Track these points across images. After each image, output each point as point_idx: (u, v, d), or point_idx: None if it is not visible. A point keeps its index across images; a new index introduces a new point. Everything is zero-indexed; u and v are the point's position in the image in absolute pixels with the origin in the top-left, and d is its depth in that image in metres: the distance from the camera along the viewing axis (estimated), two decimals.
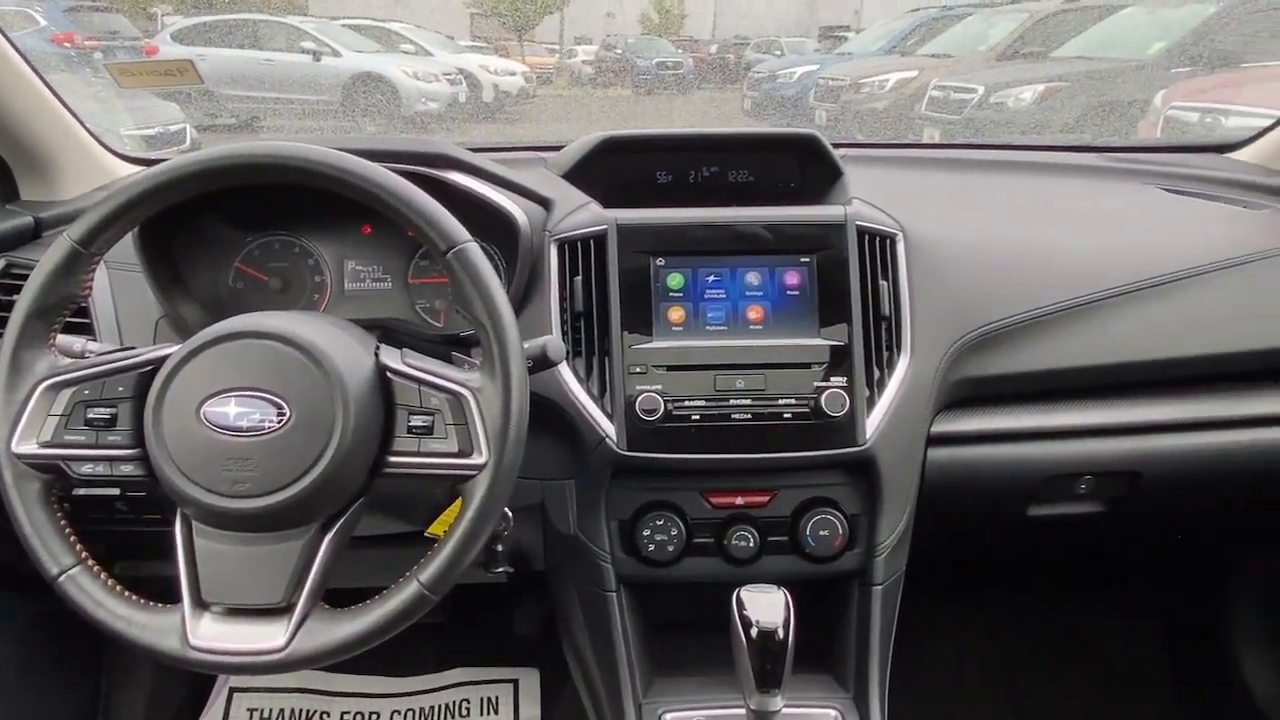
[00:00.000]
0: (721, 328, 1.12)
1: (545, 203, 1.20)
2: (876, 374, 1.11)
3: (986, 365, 1.19)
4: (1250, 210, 1.41)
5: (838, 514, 1.13)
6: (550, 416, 1.09)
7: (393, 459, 0.84)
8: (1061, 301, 1.20)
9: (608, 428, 1.08)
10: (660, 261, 1.13)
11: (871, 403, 1.10)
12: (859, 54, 8.96)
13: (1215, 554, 1.70)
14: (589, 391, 1.10)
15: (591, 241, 1.13)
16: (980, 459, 1.21)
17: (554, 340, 0.93)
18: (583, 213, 1.17)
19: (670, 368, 1.10)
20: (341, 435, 0.79)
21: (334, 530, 0.83)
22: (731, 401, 1.09)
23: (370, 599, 0.83)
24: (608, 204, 1.18)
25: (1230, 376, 1.26)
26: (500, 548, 1.14)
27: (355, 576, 1.00)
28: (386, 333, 0.99)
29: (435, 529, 1.06)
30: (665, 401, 1.08)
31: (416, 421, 0.84)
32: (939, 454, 1.19)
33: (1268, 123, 1.57)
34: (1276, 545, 1.60)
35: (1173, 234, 1.34)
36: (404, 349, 0.89)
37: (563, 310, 1.12)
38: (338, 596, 0.85)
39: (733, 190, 1.27)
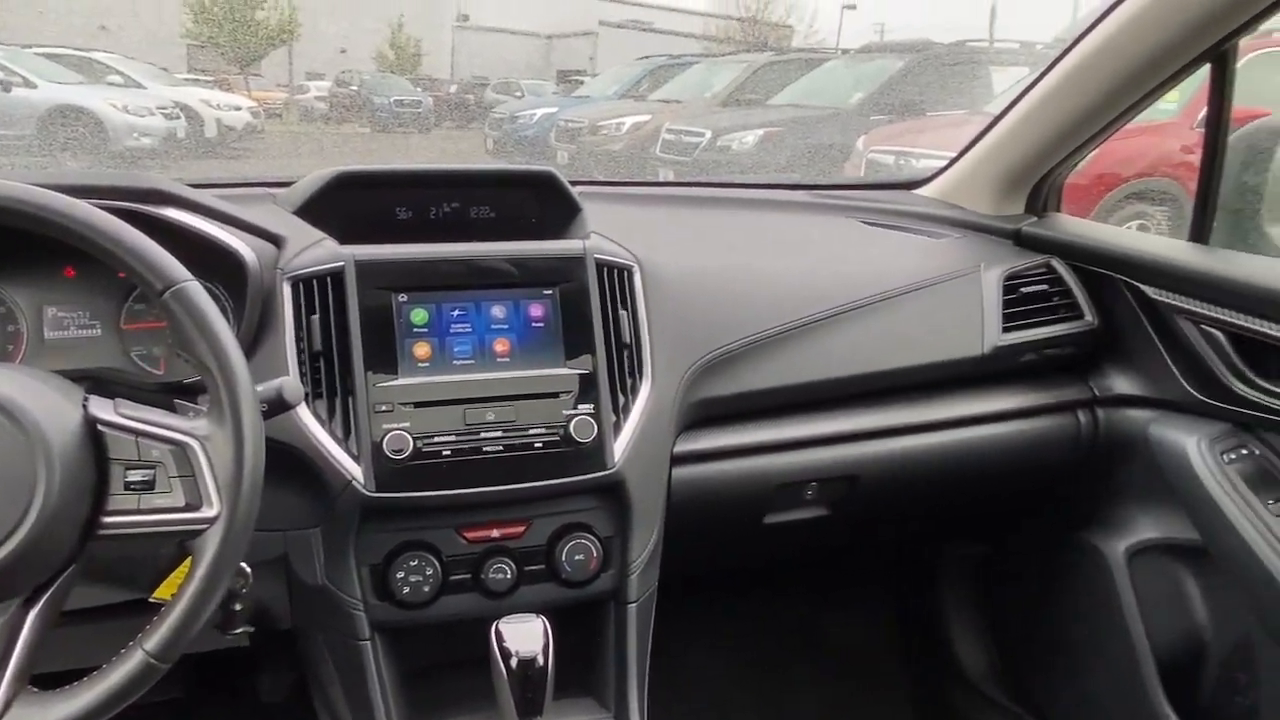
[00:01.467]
0: (469, 361, 1.12)
1: (276, 239, 1.14)
2: (621, 400, 1.16)
3: (721, 386, 1.28)
4: (933, 239, 1.61)
5: (592, 537, 1.15)
6: (290, 462, 1.04)
7: (109, 519, 0.76)
8: (781, 324, 1.31)
9: (354, 470, 1.05)
10: (403, 298, 1.11)
11: (618, 428, 1.15)
12: (596, 97, 9.29)
13: (929, 544, 1.91)
14: (332, 433, 1.06)
15: (328, 278, 1.09)
16: (719, 474, 1.29)
17: (291, 381, 0.89)
18: (317, 249, 1.13)
19: (418, 404, 1.08)
20: (45, 496, 0.71)
21: (40, 603, 0.74)
22: (483, 434, 1.09)
23: (89, 675, 0.75)
24: (345, 240, 1.15)
25: (926, 385, 1.42)
26: (239, 607, 1.06)
27: (73, 655, 0.90)
28: (98, 384, 0.91)
29: (162, 592, 0.97)
30: (414, 439, 1.06)
31: (135, 476, 0.77)
32: (682, 472, 1.25)
33: (944, 163, 1.80)
34: (975, 531, 1.82)
35: (872, 261, 1.51)
36: (117, 399, 0.82)
37: (299, 350, 1.07)
38: (54, 681, 0.76)
39: (474, 226, 1.28)
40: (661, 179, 6.48)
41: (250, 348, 1.07)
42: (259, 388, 0.83)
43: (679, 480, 1.25)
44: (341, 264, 1.10)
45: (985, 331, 1.43)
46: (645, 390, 1.17)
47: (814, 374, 1.34)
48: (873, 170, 5.83)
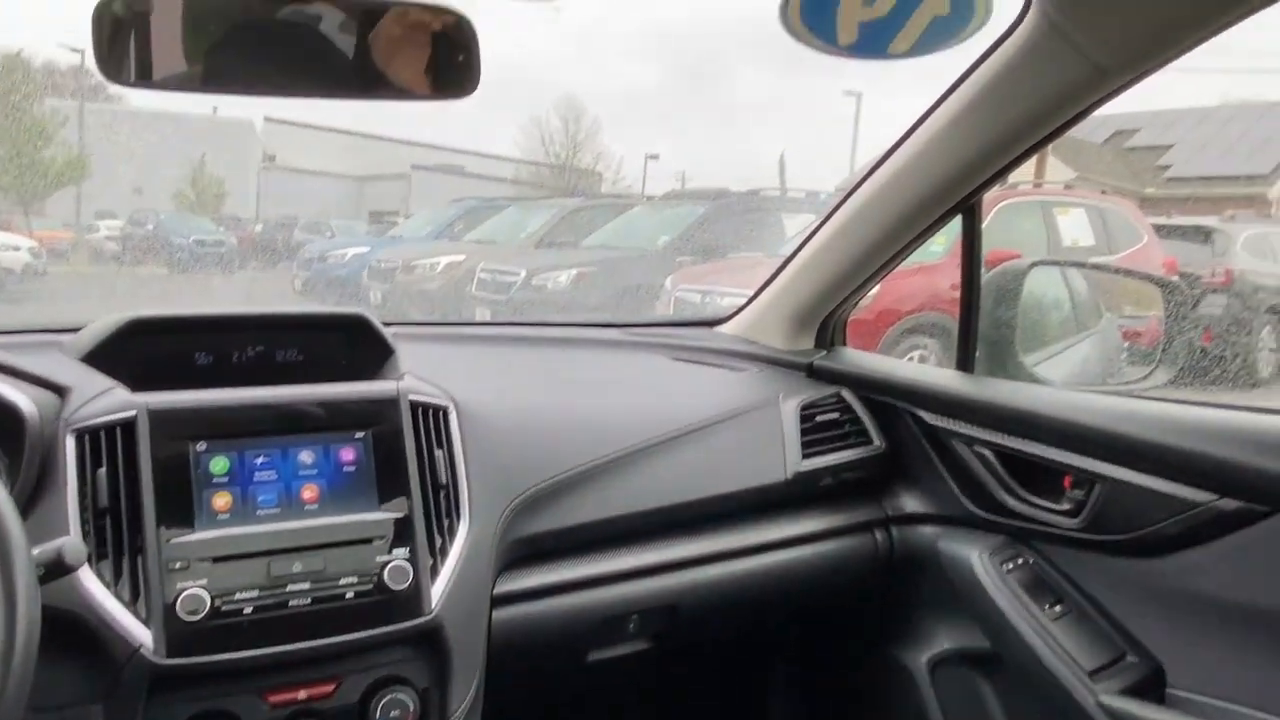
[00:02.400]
0: (274, 511, 1.08)
1: (59, 389, 1.07)
2: (439, 541, 1.14)
3: (540, 523, 1.28)
4: (735, 373, 1.71)
5: (409, 690, 1.10)
6: (67, 631, 0.95)
7: None
8: (597, 459, 1.34)
9: (141, 635, 0.96)
10: (201, 446, 1.06)
11: (435, 571, 1.12)
12: (410, 238, 9.34)
13: (754, 669, 1.93)
14: (119, 596, 0.97)
15: (118, 429, 1.03)
16: (540, 613, 1.28)
17: (72, 542, 0.82)
18: (106, 398, 1.06)
19: (216, 559, 1.02)
20: None
21: None
22: (289, 587, 1.04)
23: None
24: (138, 388, 1.09)
25: (736, 512, 1.48)
26: None
27: None
28: None
29: None
30: (211, 597, 0.99)
31: None
32: (503, 614, 1.23)
33: (743, 301, 1.94)
34: (795, 652, 1.87)
35: (680, 395, 1.58)
36: None
37: (83, 508, 1.00)
38: None
39: (281, 369, 1.25)
40: (478, 318, 6.53)
41: (26, 507, 0.98)
42: (35, 550, 0.77)
43: (499, 622, 1.22)
44: (133, 413, 1.04)
45: (786, 458, 1.51)
46: (463, 531, 1.16)
47: (630, 506, 1.36)
48: (680, 307, 6.13)
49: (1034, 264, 1.68)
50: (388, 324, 1.33)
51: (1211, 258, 8.92)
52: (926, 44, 1.37)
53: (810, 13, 1.22)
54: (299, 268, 8.24)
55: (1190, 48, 1.16)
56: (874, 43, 1.30)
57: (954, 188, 1.51)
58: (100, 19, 0.90)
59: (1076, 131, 1.44)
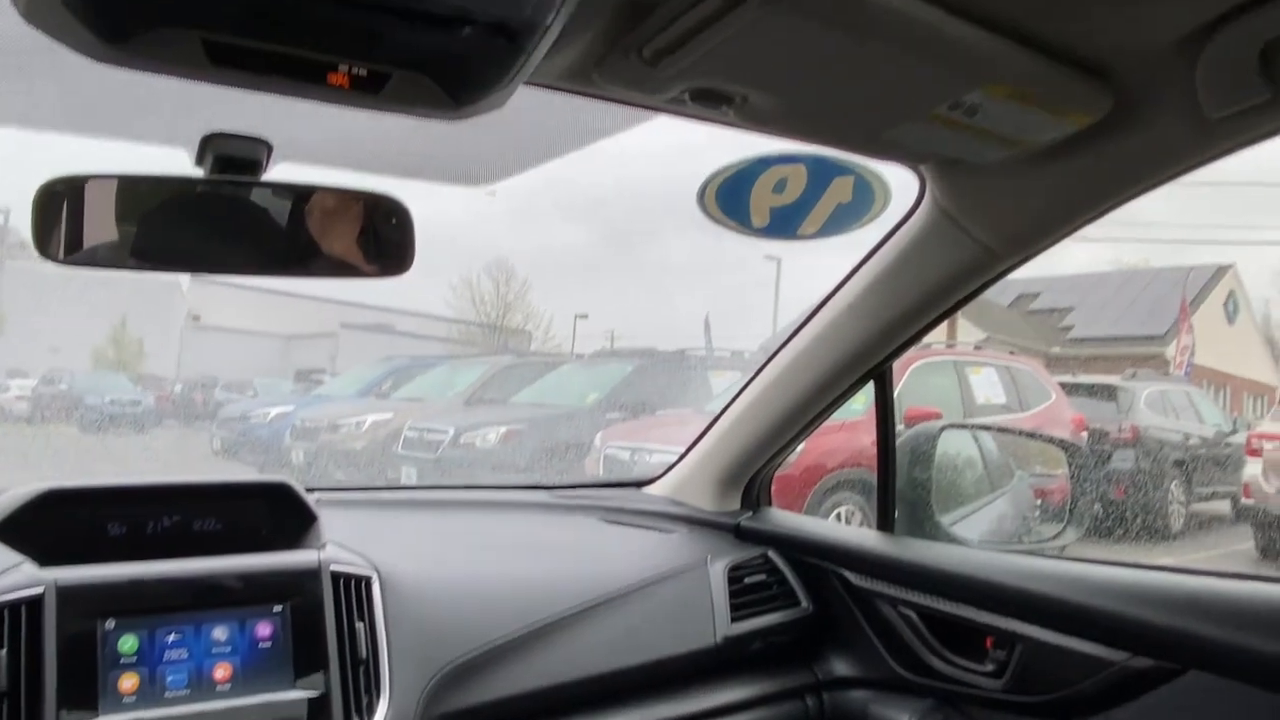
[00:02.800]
0: (183, 693, 1.03)
1: None
2: None
3: (465, 697, 1.24)
4: (664, 534, 1.72)
5: None
6: None
7: None
8: (524, 627, 1.32)
9: None
10: (110, 624, 1.02)
11: None
12: (336, 396, 9.23)
13: None
14: None
15: (22, 608, 0.99)
16: None
17: None
18: (12, 575, 1.02)
19: None
20: None
21: None
22: None
23: None
24: (46, 562, 1.05)
25: (668, 679, 1.46)
26: None
27: None
28: None
29: None
30: None
31: None
32: None
33: (672, 459, 1.97)
34: None
35: (609, 559, 1.58)
36: None
37: None
38: None
39: (198, 540, 1.22)
40: (404, 477, 6.42)
41: None
42: None
43: None
44: (39, 590, 1.00)
45: (716, 622, 1.51)
46: (383, 708, 1.12)
47: (561, 676, 1.33)
48: (610, 464, 6.14)
49: (944, 427, 1.76)
50: (311, 489, 1.32)
51: (1117, 414, 9.36)
52: (832, 227, 1.49)
53: (725, 200, 1.32)
54: (218, 427, 8.06)
55: (1073, 231, 1.27)
56: (784, 226, 1.40)
57: (864, 357, 1.59)
58: (42, 200, 0.93)
59: (984, 294, 1.54)
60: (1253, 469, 7.71)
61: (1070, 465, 1.78)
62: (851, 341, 1.58)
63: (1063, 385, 8.67)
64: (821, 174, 1.34)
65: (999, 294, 19.05)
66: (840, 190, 1.36)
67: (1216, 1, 0.84)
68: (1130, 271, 20.87)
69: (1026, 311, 20.29)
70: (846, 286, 1.55)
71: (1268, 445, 7.72)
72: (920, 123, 1.04)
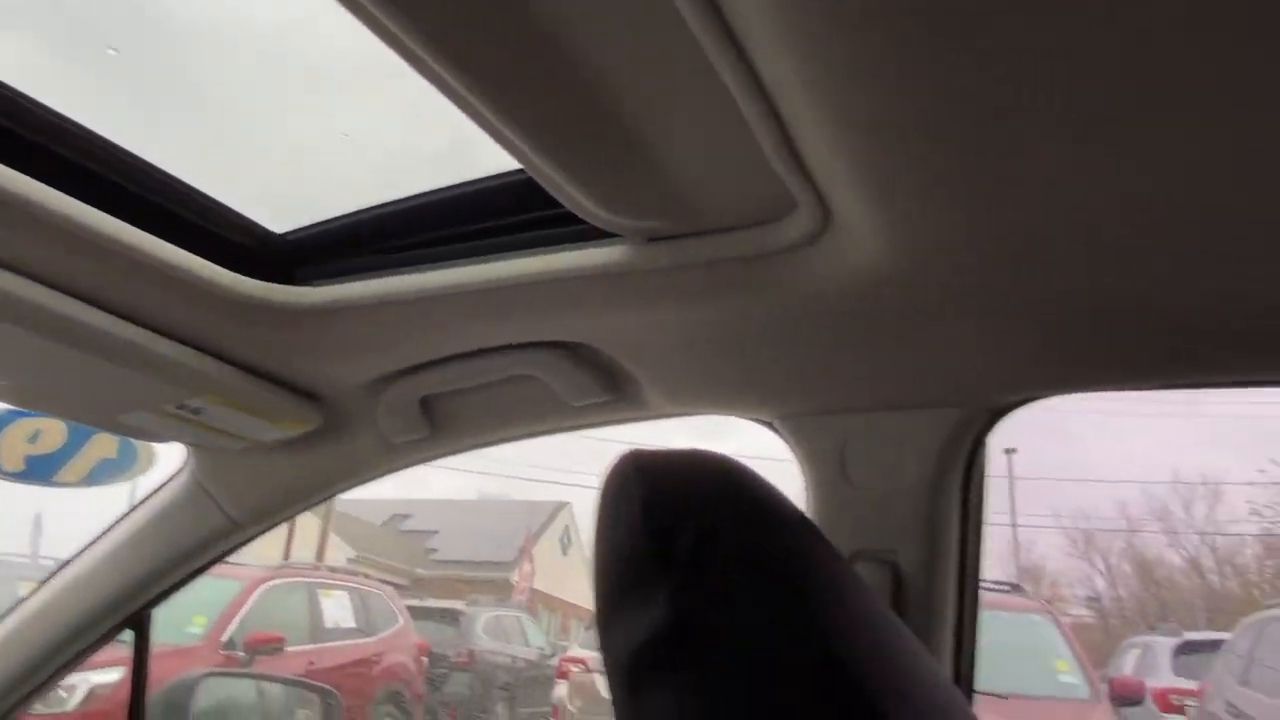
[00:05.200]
0: None
1: None
2: None
3: None
4: None
5: None
6: None
7: None
8: None
9: None
10: None
11: None
12: None
13: None
14: None
15: None
16: None
17: None
18: None
19: None
20: None
21: None
22: None
23: None
24: None
25: None
26: None
27: None
28: None
29: None
30: None
31: None
32: None
33: None
34: None
35: None
36: None
37: None
38: None
39: None
40: None
41: None
42: None
43: None
44: None
45: None
46: None
47: None
48: None
49: (207, 674, 1.80)
50: None
51: (458, 639, 10.03)
52: (96, 478, 1.51)
53: None
54: None
55: (313, 505, 1.48)
56: (41, 472, 1.40)
57: (122, 604, 1.59)
58: None
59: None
60: (561, 690, 8.77)
61: (323, 711, 1.94)
62: (109, 588, 1.57)
63: (411, 609, 9.09)
64: (81, 430, 1.36)
65: (373, 514, 19.58)
66: (104, 446, 1.41)
67: (387, 365, 1.14)
68: (489, 501, 23.18)
69: (398, 531, 21.12)
70: (111, 532, 1.56)
71: (574, 669, 8.88)
72: (154, 414, 1.16)
